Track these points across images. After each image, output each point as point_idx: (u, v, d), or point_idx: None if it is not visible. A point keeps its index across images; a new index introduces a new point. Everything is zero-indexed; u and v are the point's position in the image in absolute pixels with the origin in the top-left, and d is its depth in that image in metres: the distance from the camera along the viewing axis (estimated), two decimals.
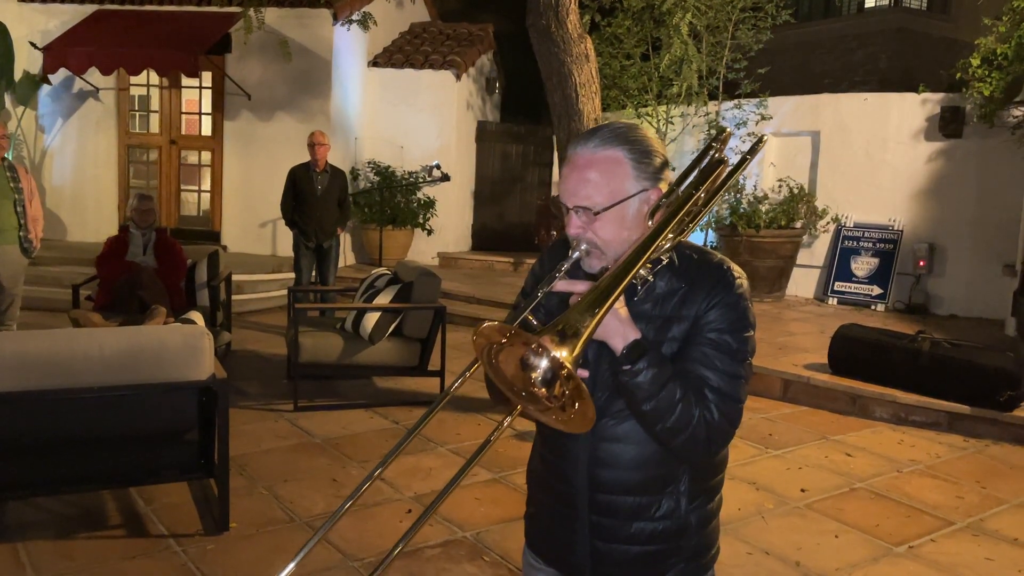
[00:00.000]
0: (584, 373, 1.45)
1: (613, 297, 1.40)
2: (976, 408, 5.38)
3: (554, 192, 11.93)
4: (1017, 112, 8.12)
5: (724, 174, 1.69)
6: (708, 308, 1.52)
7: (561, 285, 1.47)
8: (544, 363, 1.34)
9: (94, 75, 9.74)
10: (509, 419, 1.53)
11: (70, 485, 3.66)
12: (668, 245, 1.54)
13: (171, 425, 3.71)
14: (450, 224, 11.38)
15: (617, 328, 1.45)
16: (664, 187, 1.58)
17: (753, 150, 1.80)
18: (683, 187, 1.62)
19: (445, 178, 10.87)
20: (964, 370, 5.46)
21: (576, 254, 1.54)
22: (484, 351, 1.40)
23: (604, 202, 1.52)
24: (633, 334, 1.46)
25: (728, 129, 1.81)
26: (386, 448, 4.81)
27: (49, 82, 9.98)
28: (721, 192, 1.69)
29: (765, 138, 1.85)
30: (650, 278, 1.53)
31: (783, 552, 3.67)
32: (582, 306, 1.37)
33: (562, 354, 1.29)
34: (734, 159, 1.74)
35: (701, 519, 1.64)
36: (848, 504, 4.23)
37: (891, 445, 5.19)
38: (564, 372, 1.32)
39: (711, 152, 1.71)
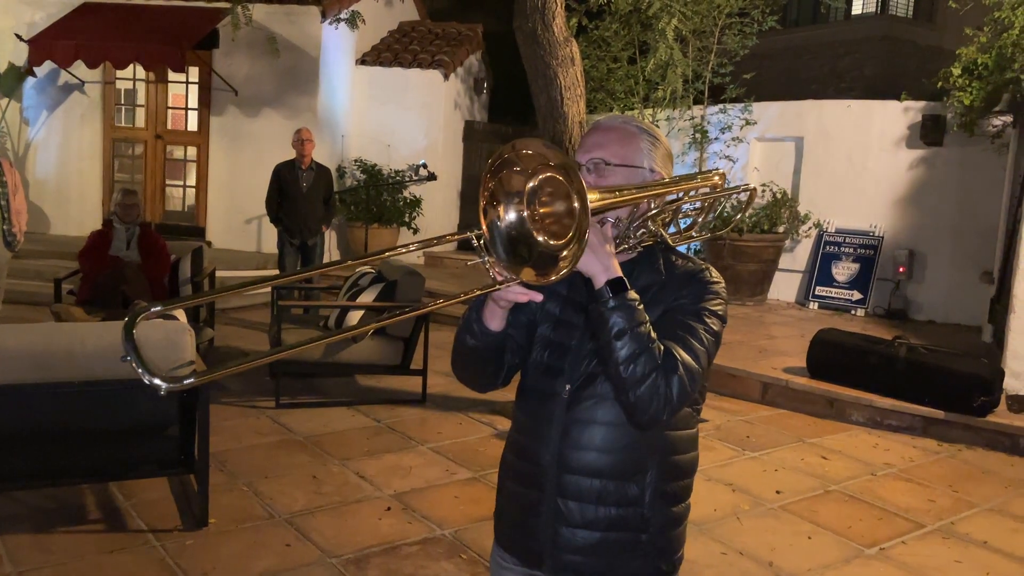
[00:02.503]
0: (535, 295, 1.53)
1: (624, 197, 1.53)
2: (950, 413, 5.46)
3: None
4: (997, 122, 8.21)
5: (717, 190, 1.85)
6: (681, 295, 1.63)
7: None
8: (573, 201, 1.36)
9: (80, 68, 9.70)
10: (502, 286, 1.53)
11: (49, 479, 3.66)
12: (657, 211, 1.64)
13: (151, 420, 3.71)
14: (436, 223, 11.38)
15: (605, 261, 1.50)
16: (666, 176, 1.72)
17: (746, 188, 2.00)
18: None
19: (432, 177, 10.87)
20: (939, 375, 5.53)
21: None
22: (502, 161, 1.43)
23: (617, 161, 1.67)
24: (616, 272, 1.51)
25: (722, 171, 1.94)
26: (368, 446, 4.84)
27: (34, 74, 9.94)
28: (707, 201, 1.84)
29: (755, 189, 2.03)
30: (633, 254, 1.65)
31: (757, 552, 3.72)
32: (594, 189, 1.45)
33: (592, 197, 1.36)
34: (721, 164, 1.89)
35: (666, 520, 1.68)
36: (822, 506, 4.30)
37: (866, 448, 5.27)
38: (580, 207, 1.35)
39: (711, 171, 1.87)
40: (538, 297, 1.52)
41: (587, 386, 1.63)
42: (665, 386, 1.51)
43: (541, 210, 1.41)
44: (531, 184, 1.41)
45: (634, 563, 1.67)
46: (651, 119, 10.14)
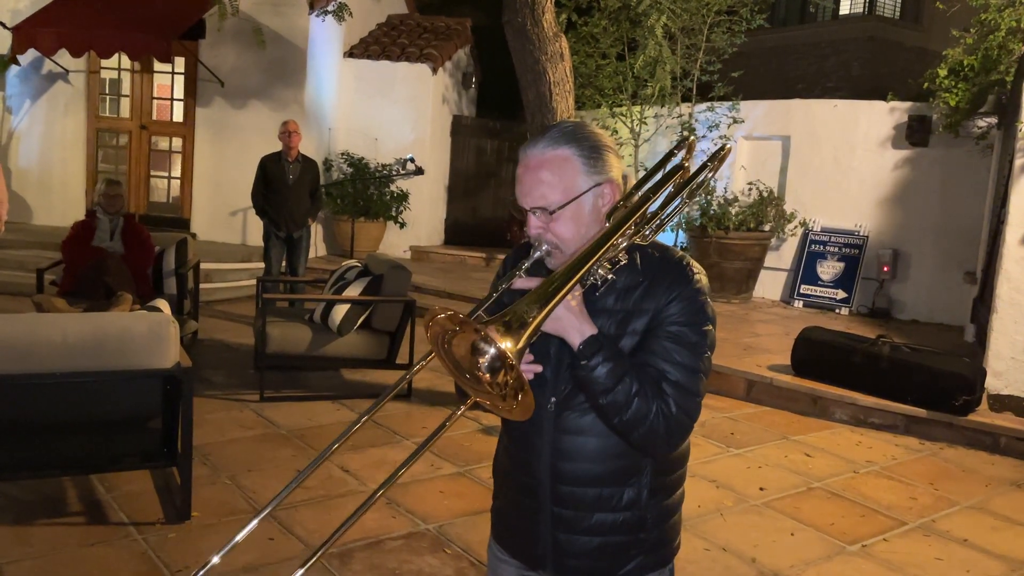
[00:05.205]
0: (535, 368, 1.50)
1: (563, 292, 1.42)
2: (932, 412, 5.50)
3: None
4: (981, 123, 8.28)
5: (684, 179, 1.73)
6: (668, 302, 1.56)
7: (520, 283, 1.51)
8: (490, 352, 1.38)
9: (64, 57, 9.59)
10: (462, 409, 1.56)
11: (30, 471, 3.62)
12: (624, 244, 1.57)
13: (134, 412, 3.69)
14: (423, 218, 11.37)
15: (573, 323, 1.49)
16: (616, 179, 1.62)
17: (714, 157, 1.83)
18: (643, 190, 1.67)
19: (419, 171, 10.86)
20: (922, 374, 5.57)
21: (538, 254, 1.58)
22: (437, 338, 1.43)
23: (559, 200, 1.57)
24: (589, 329, 1.49)
25: (692, 137, 1.86)
26: (352, 440, 4.78)
27: (18, 63, 9.79)
28: (681, 195, 1.73)
29: (728, 146, 1.90)
30: (610, 277, 1.56)
31: (740, 549, 3.74)
32: (530, 298, 1.39)
33: (506, 345, 1.32)
34: (702, 161, 1.78)
35: (662, 513, 1.67)
36: (805, 503, 4.32)
37: (849, 446, 5.30)
38: (507, 362, 1.35)
39: (672, 157, 1.76)
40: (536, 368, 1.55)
41: (572, 397, 1.60)
42: (664, 426, 1.51)
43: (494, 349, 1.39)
44: (477, 336, 1.39)
45: (634, 559, 1.67)
46: (639, 116, 10.16)
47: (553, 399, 1.62)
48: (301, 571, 1.50)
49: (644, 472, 1.62)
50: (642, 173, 1.71)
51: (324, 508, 3.86)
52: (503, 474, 1.79)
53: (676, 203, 1.72)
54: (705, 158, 1.79)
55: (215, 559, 1.52)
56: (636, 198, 1.64)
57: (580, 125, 1.63)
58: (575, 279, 1.45)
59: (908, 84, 9.91)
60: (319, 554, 1.56)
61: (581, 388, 1.54)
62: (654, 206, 1.65)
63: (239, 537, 1.54)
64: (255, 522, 1.56)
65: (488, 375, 1.40)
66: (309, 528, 3.64)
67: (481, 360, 1.40)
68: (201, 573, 1.48)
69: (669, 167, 1.75)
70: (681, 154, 1.76)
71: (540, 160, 1.59)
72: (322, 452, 1.65)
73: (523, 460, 1.69)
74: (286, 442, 4.73)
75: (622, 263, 1.59)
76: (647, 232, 1.65)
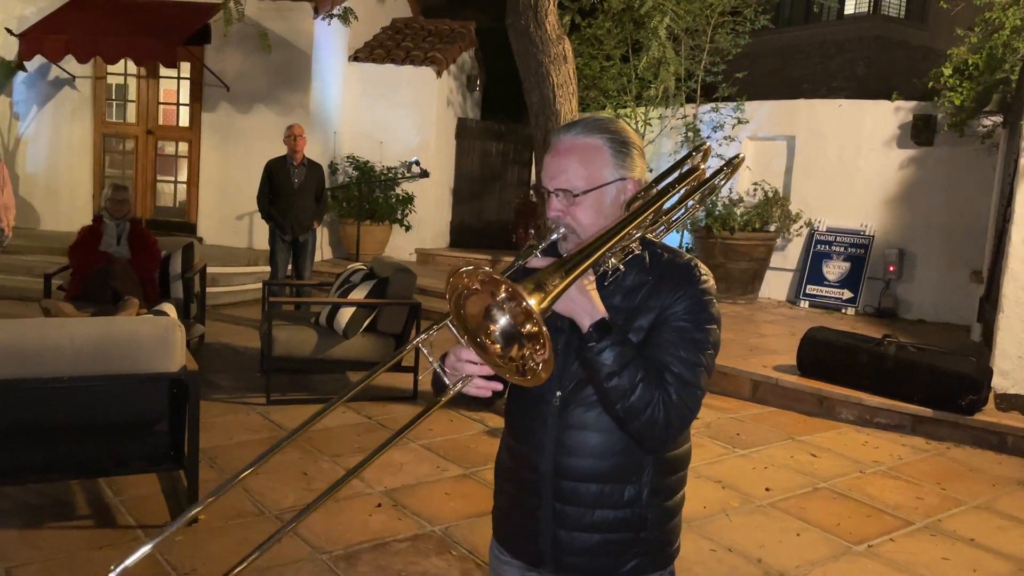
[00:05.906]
0: (494, 386, 1.54)
1: (584, 266, 1.44)
2: (939, 411, 5.49)
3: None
4: (987, 122, 8.27)
5: (699, 182, 1.78)
6: (673, 301, 1.59)
7: (535, 262, 1.52)
8: (514, 311, 1.39)
9: (70, 63, 9.65)
10: (455, 388, 1.56)
11: (38, 474, 3.65)
12: (639, 234, 1.60)
13: (141, 416, 3.70)
14: (428, 220, 11.39)
15: (585, 306, 1.51)
16: (640, 178, 1.66)
17: (730, 163, 1.89)
18: (660, 186, 1.71)
19: (424, 174, 10.87)
20: (928, 374, 5.56)
21: (555, 236, 1.61)
22: (455, 294, 1.44)
23: (583, 186, 1.60)
24: (600, 313, 1.51)
25: (707, 144, 1.89)
26: (358, 443, 4.84)
27: (25, 69, 9.87)
28: (695, 195, 1.77)
29: (741, 155, 1.94)
30: (621, 267, 1.59)
31: (745, 549, 3.74)
32: (552, 268, 1.41)
33: (531, 302, 1.33)
34: (712, 163, 1.82)
35: (662, 514, 1.69)
36: (811, 503, 4.31)
37: (855, 446, 5.29)
38: (532, 322, 1.36)
39: (690, 159, 1.79)
40: (498, 387, 1.56)
41: (577, 392, 1.62)
42: (664, 416, 1.52)
43: (516, 309, 1.40)
44: (497, 298, 1.40)
45: (634, 559, 1.68)
46: (643, 117, 10.16)
47: (559, 393, 1.64)
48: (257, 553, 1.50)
49: (645, 470, 1.64)
50: (647, 174, 1.73)
51: (330, 511, 3.87)
52: (505, 472, 1.81)
53: (689, 205, 1.78)
54: (714, 157, 1.82)
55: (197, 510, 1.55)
56: (654, 192, 1.67)
57: (614, 120, 1.68)
58: (594, 257, 1.47)
59: (913, 83, 9.90)
60: (277, 536, 1.56)
61: (587, 371, 1.55)
62: (670, 202, 1.69)
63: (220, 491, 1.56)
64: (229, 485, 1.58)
65: (506, 338, 1.42)
66: (316, 531, 3.65)
67: (503, 319, 1.41)
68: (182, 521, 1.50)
69: (685, 168, 1.80)
70: (697, 157, 1.80)
71: (571, 145, 1.63)
72: (322, 410, 1.64)
73: (526, 456, 1.71)
74: (292, 445, 4.73)
75: (635, 253, 1.62)
76: (658, 230, 1.70)
